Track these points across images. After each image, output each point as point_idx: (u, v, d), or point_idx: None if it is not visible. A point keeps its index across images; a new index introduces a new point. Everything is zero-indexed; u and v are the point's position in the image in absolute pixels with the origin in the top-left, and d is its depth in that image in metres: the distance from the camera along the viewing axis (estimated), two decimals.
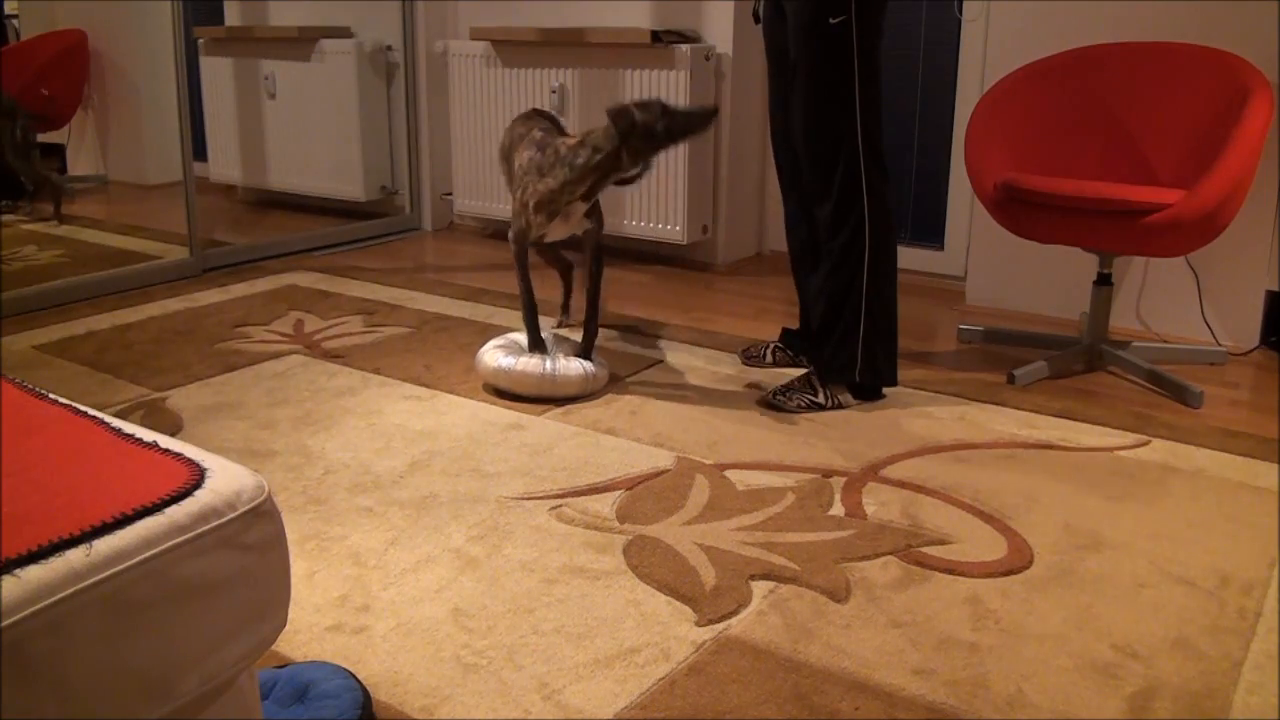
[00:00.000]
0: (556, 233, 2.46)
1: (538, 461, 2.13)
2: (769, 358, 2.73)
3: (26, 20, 5.08)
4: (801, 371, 2.56)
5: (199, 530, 0.86)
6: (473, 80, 3.98)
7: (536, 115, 2.61)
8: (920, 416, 2.39)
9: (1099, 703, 1.40)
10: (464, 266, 3.80)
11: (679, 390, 2.54)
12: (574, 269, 2.96)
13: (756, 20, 2.53)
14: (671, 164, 3.58)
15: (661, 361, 2.75)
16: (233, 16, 4.87)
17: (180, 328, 3.00)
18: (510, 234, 2.49)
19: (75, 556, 0.79)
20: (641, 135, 2.29)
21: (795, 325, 2.76)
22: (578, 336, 2.58)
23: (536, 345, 2.50)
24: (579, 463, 2.12)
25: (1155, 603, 1.64)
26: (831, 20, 2.22)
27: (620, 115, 2.29)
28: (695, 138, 2.39)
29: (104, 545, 0.81)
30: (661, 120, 2.28)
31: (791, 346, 2.72)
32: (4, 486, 0.88)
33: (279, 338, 2.92)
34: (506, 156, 2.61)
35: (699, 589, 1.65)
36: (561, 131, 2.52)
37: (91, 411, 1.06)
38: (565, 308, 3.00)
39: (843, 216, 2.33)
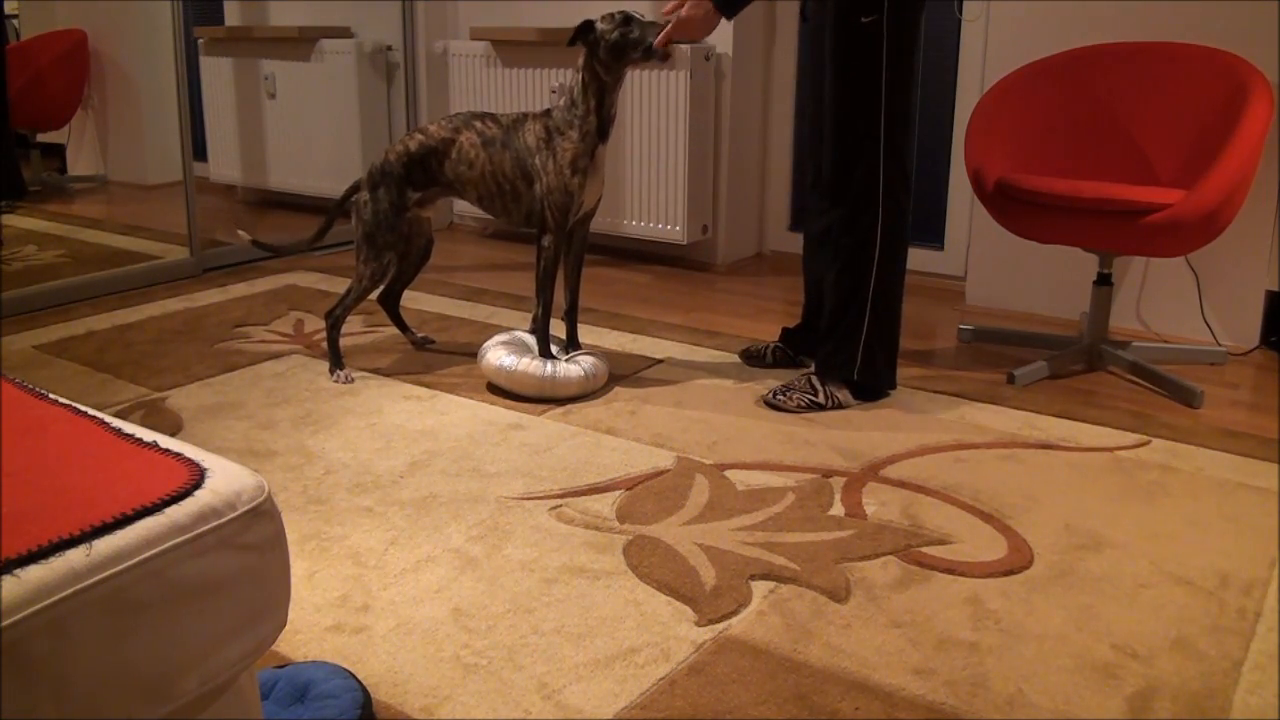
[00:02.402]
0: (590, 194, 2.48)
1: (538, 461, 2.13)
2: (769, 357, 2.73)
3: (26, 20, 5.08)
4: (802, 371, 2.55)
5: (199, 530, 0.86)
6: (473, 80, 3.98)
7: (472, 116, 2.57)
8: (920, 416, 2.39)
9: (1099, 703, 1.40)
10: (464, 266, 3.80)
11: (679, 390, 2.54)
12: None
13: (804, 19, 2.53)
14: (671, 164, 3.58)
15: (661, 361, 2.75)
16: (233, 16, 4.87)
17: (180, 328, 3.00)
18: (548, 236, 2.46)
19: (75, 556, 0.79)
20: (606, 45, 2.35)
21: (795, 325, 2.75)
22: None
23: (548, 352, 2.50)
24: (579, 463, 2.12)
25: (1155, 603, 1.64)
26: (864, 19, 2.22)
27: (580, 28, 2.36)
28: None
29: (104, 545, 0.81)
30: (619, 29, 2.34)
31: (792, 346, 2.72)
32: (4, 486, 0.88)
33: (279, 338, 2.92)
34: (499, 157, 2.53)
35: (699, 589, 1.65)
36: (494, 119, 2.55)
37: (91, 411, 1.06)
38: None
39: (855, 217, 2.33)
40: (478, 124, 2.51)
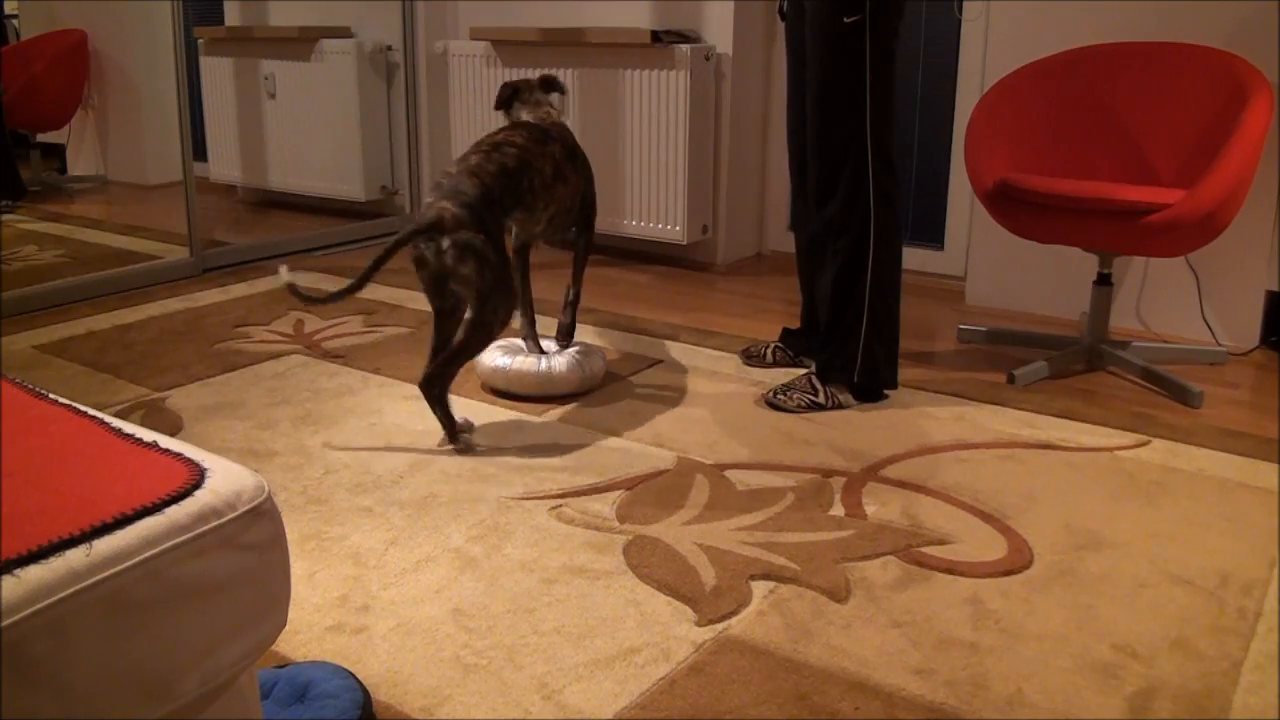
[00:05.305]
0: None
1: (538, 461, 2.13)
2: (769, 357, 2.73)
3: (26, 20, 5.08)
4: (802, 371, 2.56)
5: (199, 530, 0.86)
6: (473, 80, 3.98)
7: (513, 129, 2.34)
8: (920, 416, 2.39)
9: (1099, 703, 1.40)
10: None
11: (679, 390, 2.54)
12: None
13: (782, 16, 2.54)
14: (671, 164, 3.58)
15: (661, 361, 2.75)
16: (233, 16, 4.87)
17: (180, 328, 3.00)
18: (586, 234, 2.54)
19: (75, 556, 0.79)
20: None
21: (795, 325, 2.76)
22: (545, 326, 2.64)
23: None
24: (579, 463, 2.12)
25: (1155, 603, 1.64)
26: (846, 19, 2.22)
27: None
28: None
29: (104, 545, 0.81)
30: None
31: (792, 346, 2.72)
32: (4, 486, 0.88)
33: (279, 338, 2.92)
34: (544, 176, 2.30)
35: (699, 589, 1.65)
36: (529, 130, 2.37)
37: (91, 411, 1.06)
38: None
39: (847, 217, 2.33)
40: (534, 145, 2.27)
